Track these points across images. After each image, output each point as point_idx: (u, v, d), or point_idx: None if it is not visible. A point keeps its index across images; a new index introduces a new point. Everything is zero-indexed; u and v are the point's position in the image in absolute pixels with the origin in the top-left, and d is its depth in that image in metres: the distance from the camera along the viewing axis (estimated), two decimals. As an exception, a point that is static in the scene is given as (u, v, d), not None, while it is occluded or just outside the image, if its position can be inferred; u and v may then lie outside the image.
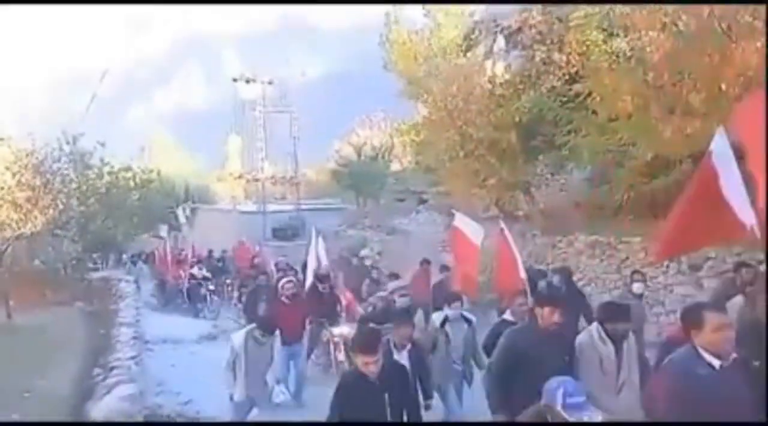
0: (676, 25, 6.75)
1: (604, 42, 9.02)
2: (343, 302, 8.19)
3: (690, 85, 6.50)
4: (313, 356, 7.46)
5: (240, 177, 29.76)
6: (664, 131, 6.72)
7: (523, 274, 5.33)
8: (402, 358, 4.14)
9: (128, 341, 8.84)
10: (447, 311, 5.24)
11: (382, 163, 25.08)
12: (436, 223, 16.55)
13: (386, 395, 3.16)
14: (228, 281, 14.34)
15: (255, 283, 9.34)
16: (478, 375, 5.23)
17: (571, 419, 2.65)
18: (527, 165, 12.08)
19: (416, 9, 13.82)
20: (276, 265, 12.52)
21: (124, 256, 24.16)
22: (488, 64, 12.54)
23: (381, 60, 14.19)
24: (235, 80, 26.86)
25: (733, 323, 2.92)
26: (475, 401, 4.96)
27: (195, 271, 14.07)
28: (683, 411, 2.52)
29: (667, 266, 8.46)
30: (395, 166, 25.68)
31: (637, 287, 6.07)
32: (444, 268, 9.38)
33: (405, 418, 3.32)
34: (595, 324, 3.72)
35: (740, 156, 3.31)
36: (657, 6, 6.79)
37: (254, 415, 5.28)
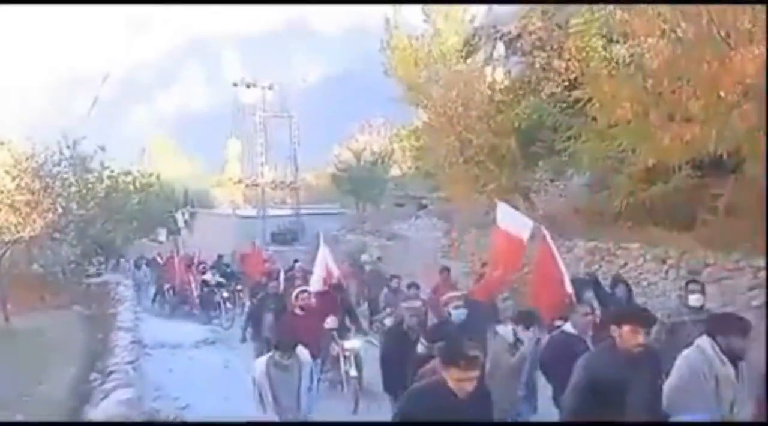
0: (675, 32, 6.77)
1: (604, 48, 9.06)
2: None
3: (689, 91, 6.51)
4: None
5: (239, 181, 29.81)
6: (664, 138, 6.72)
7: (569, 286, 4.88)
8: None
9: (126, 346, 8.82)
10: (524, 334, 4.38)
11: (382, 168, 25.09)
12: (436, 228, 16.55)
13: (470, 418, 2.75)
14: (239, 287, 13.70)
15: (264, 291, 8.85)
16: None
17: None
18: (527, 171, 12.11)
19: (416, 15, 13.89)
20: (289, 271, 11.85)
21: (122, 260, 24.11)
22: (488, 70, 12.59)
23: (381, 65, 14.23)
24: (235, 85, 26.96)
25: None
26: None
27: (208, 276, 13.46)
28: None
29: (666, 272, 8.47)
30: (395, 172, 25.70)
31: (695, 300, 5.21)
32: (444, 269, 9.35)
33: None
34: (705, 339, 3.23)
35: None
36: (656, 13, 6.82)
37: None
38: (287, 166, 30.06)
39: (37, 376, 8.06)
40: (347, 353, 6.81)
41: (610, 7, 8.30)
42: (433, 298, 7.56)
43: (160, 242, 28.99)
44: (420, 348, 4.42)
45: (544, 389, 4.54)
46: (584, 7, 9.26)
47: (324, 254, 8.32)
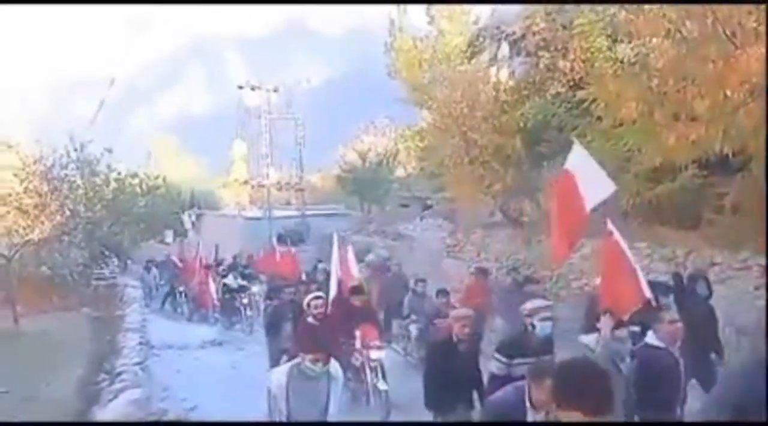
0: (680, 31, 6.76)
1: (609, 48, 9.04)
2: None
3: (695, 91, 6.50)
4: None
5: (245, 183, 29.89)
6: (669, 137, 6.72)
7: (645, 287, 4.15)
8: None
9: (134, 347, 8.90)
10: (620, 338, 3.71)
11: (387, 169, 25.10)
12: (441, 228, 16.54)
13: None
14: (255, 290, 12.82)
15: (280, 296, 8.30)
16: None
17: None
18: (532, 171, 12.09)
19: (420, 16, 13.92)
20: (310, 273, 11.32)
21: (129, 262, 24.20)
22: (492, 70, 12.60)
23: (385, 67, 14.27)
24: (240, 87, 27.05)
25: None
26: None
27: (229, 280, 12.61)
28: None
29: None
30: (400, 172, 25.71)
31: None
32: (480, 271, 8.99)
33: None
34: None
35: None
36: (661, 12, 6.81)
37: None
38: (292, 168, 30.14)
39: (46, 377, 8.12)
40: (373, 364, 6.20)
41: (615, 7, 8.31)
42: (468, 301, 7.11)
43: (167, 244, 29.14)
44: (495, 367, 3.93)
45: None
46: (588, 7, 9.26)
47: (340, 255, 7.59)
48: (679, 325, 3.72)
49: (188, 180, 35.16)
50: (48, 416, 6.56)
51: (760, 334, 4.48)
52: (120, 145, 19.37)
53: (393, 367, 6.72)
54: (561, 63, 10.89)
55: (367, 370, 6.18)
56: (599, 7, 9.01)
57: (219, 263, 15.23)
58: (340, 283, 7.01)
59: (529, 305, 4.28)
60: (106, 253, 19.11)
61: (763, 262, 7.00)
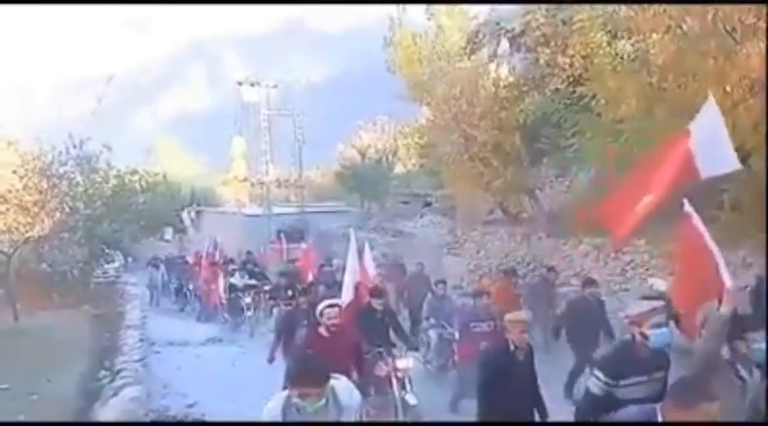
0: (681, 27, 6.76)
1: (608, 44, 9.03)
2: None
3: (694, 87, 6.50)
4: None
5: (245, 180, 29.88)
6: (669, 133, 6.71)
7: (727, 276, 3.52)
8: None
9: (134, 344, 8.91)
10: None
11: (386, 165, 25.10)
12: (441, 225, 16.56)
13: None
14: (257, 286, 12.07)
15: (294, 302, 7.45)
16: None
17: None
18: (531, 167, 12.09)
19: (420, 12, 13.88)
20: (324, 266, 10.76)
21: (129, 259, 24.22)
22: (492, 66, 12.58)
23: (385, 63, 14.24)
24: (239, 84, 27.00)
25: None
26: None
27: (236, 279, 11.98)
28: None
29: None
30: (399, 169, 25.71)
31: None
32: (509, 272, 8.51)
33: None
34: None
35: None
36: (661, 8, 6.80)
37: None
38: (292, 165, 30.13)
39: (46, 375, 8.13)
40: (400, 374, 5.64)
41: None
42: (498, 303, 6.51)
43: (167, 241, 29.16)
44: (594, 386, 3.25)
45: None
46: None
47: (355, 254, 6.79)
48: None
49: (188, 177, 35.12)
50: (49, 413, 6.56)
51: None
52: (120, 143, 19.32)
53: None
54: (561, 59, 10.87)
55: (394, 382, 5.56)
56: (599, 4, 8.99)
57: (227, 261, 14.64)
58: (357, 286, 6.40)
59: (634, 310, 3.39)
60: (110, 250, 19.10)
61: (763, 259, 7.01)
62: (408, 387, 5.65)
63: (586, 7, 9.26)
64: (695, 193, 8.58)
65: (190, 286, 15.29)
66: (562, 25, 10.85)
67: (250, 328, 11.19)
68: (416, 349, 6.43)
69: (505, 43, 12.81)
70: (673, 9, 6.68)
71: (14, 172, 13.55)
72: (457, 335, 6.62)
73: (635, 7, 7.36)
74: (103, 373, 7.89)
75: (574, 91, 9.49)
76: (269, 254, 15.54)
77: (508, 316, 4.05)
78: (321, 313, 4.79)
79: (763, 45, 5.72)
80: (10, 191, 13.29)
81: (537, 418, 4.03)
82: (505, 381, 3.84)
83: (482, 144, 11.69)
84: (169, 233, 29.64)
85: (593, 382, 3.32)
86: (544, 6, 11.50)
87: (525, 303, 7.59)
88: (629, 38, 8.62)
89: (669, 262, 8.51)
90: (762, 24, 5.88)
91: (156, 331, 11.23)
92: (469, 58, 12.84)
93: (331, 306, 4.84)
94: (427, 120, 13.79)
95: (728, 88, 6.29)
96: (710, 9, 6.24)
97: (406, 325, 7.97)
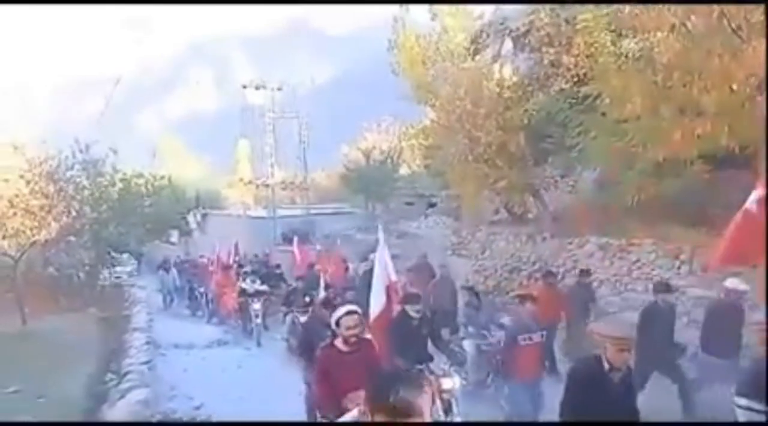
0: (685, 25, 6.72)
1: (613, 43, 9.00)
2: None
3: (700, 85, 6.46)
4: None
5: (250, 182, 29.98)
6: (674, 132, 6.68)
7: None
8: None
9: (141, 346, 8.94)
10: None
11: (391, 167, 25.09)
12: (446, 226, 16.53)
13: None
14: (267, 292, 11.59)
15: (310, 310, 7.04)
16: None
17: None
18: (536, 167, 12.05)
19: (424, 13, 13.88)
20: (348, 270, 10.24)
21: (133, 262, 24.29)
22: (496, 67, 12.55)
23: (389, 64, 14.24)
24: (244, 87, 27.12)
25: None
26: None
27: (246, 284, 11.50)
28: None
29: (679, 268, 8.40)
30: (404, 170, 25.71)
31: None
32: (549, 274, 7.92)
33: None
34: None
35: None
36: (666, 6, 6.77)
37: None
38: (297, 167, 30.19)
39: (54, 377, 8.17)
40: (446, 396, 4.92)
41: (619, 2, 8.25)
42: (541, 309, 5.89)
43: (173, 244, 29.26)
44: (742, 415, 2.88)
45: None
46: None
47: (387, 256, 6.06)
48: None
49: (193, 180, 35.27)
50: (57, 415, 6.60)
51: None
52: (125, 146, 19.44)
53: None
54: (565, 59, 10.84)
55: (438, 405, 4.82)
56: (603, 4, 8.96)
57: (242, 265, 14.18)
58: (388, 291, 5.69)
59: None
60: (123, 254, 19.16)
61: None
62: (455, 410, 4.93)
63: (591, 6, 9.23)
64: (701, 192, 8.53)
65: (202, 290, 15.08)
66: (566, 24, 10.81)
67: (257, 337, 10.74)
68: (461, 365, 5.69)
69: (509, 43, 12.78)
70: (678, 7, 6.64)
71: (21, 176, 13.65)
72: (500, 346, 5.92)
73: (640, 5, 7.33)
74: (109, 375, 7.92)
75: (578, 91, 9.45)
76: (285, 257, 14.85)
77: (602, 330, 3.35)
78: (338, 323, 3.98)
79: (769, 42, 5.68)
80: (17, 195, 13.39)
81: None
82: (595, 409, 3.19)
83: (487, 144, 11.66)
84: (174, 236, 29.75)
85: (740, 412, 2.90)
86: (548, 6, 11.47)
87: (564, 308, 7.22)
88: (634, 37, 8.58)
89: (675, 261, 8.48)
90: (768, 21, 5.84)
91: (163, 333, 11.27)
92: (473, 59, 12.83)
93: (349, 313, 3.99)
94: (431, 121, 13.78)
95: (734, 87, 6.25)
96: (715, 7, 6.20)
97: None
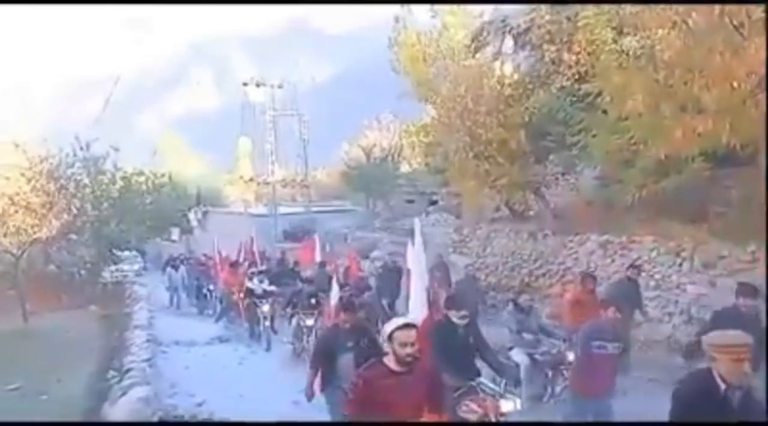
0: (687, 22, 6.70)
1: (614, 41, 8.97)
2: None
3: (701, 83, 6.44)
4: None
5: (251, 180, 30.01)
6: (675, 130, 6.66)
7: None
8: None
9: (142, 344, 8.96)
10: None
11: (392, 164, 25.11)
12: (447, 224, 16.53)
13: None
14: (276, 292, 10.80)
15: (317, 311, 6.31)
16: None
17: None
18: (537, 165, 12.04)
19: (424, 11, 13.85)
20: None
21: (140, 261, 24.32)
22: (497, 64, 12.52)
23: (389, 62, 14.23)
24: (245, 84, 27.14)
25: None
26: None
27: (254, 284, 10.68)
28: None
29: (680, 265, 8.40)
30: (405, 168, 25.71)
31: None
32: (587, 276, 6.97)
33: None
34: None
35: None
36: (667, 4, 6.75)
37: None
38: (297, 164, 30.23)
39: (55, 375, 8.21)
40: (503, 419, 4.29)
41: None
42: (575, 313, 5.43)
43: (174, 241, 29.31)
44: None
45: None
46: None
47: (423, 255, 5.41)
48: None
49: (194, 177, 35.31)
50: (59, 413, 6.63)
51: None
52: (126, 144, 19.47)
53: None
54: (566, 56, 10.82)
55: None
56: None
57: (252, 263, 13.51)
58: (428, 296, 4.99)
59: None
60: (130, 251, 19.16)
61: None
62: None
63: (591, 4, 9.21)
64: (702, 190, 8.54)
65: (210, 287, 14.71)
66: (567, 22, 10.79)
67: (266, 342, 10.01)
68: (517, 381, 4.96)
69: (510, 41, 12.76)
70: (679, 4, 6.63)
71: (22, 174, 13.69)
72: (570, 357, 5.30)
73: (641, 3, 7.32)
74: (111, 372, 7.95)
75: (579, 88, 9.43)
76: (299, 255, 13.71)
77: (713, 339, 2.73)
78: (391, 338, 3.22)
79: (771, 40, 5.66)
80: (18, 193, 13.44)
81: None
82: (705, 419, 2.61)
83: (488, 142, 11.64)
84: (175, 234, 29.79)
85: None
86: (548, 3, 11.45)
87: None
88: (635, 34, 8.55)
89: (676, 259, 8.48)
90: (770, 19, 5.83)
91: (164, 330, 11.29)
92: (474, 56, 12.80)
93: (406, 327, 3.23)
94: (432, 118, 13.76)
95: (735, 84, 6.24)
96: (716, 5, 6.19)
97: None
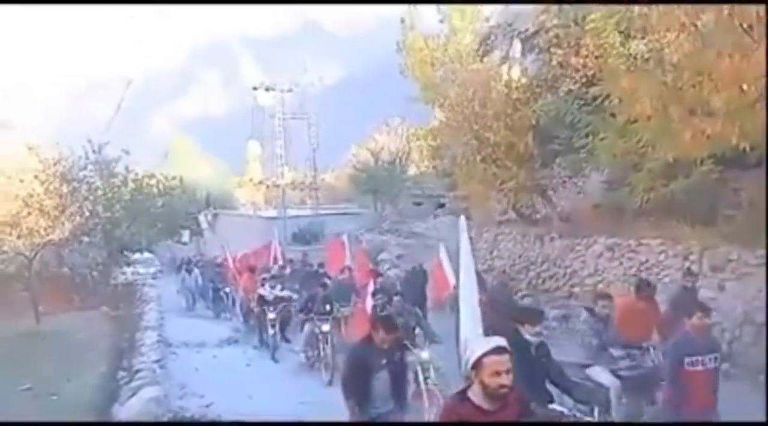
0: (695, 25, 6.68)
1: (622, 44, 8.96)
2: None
3: (710, 85, 6.42)
4: None
5: (260, 183, 30.23)
6: (684, 133, 6.63)
7: None
8: None
9: (152, 345, 9.05)
10: None
11: (400, 167, 25.17)
12: (455, 226, 16.57)
13: None
14: (287, 298, 10.25)
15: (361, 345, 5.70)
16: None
17: None
18: (544, 168, 12.04)
19: (432, 15, 13.91)
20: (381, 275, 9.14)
21: (157, 263, 24.44)
22: (505, 68, 12.54)
23: (397, 66, 14.29)
24: (255, 88, 27.36)
25: None
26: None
27: (265, 290, 10.15)
28: None
29: (689, 269, 8.35)
30: (412, 171, 25.76)
31: None
32: (644, 283, 6.15)
33: None
34: None
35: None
36: (675, 6, 6.74)
37: None
38: (306, 167, 30.37)
39: (67, 375, 8.30)
40: None
41: (628, 2, 8.21)
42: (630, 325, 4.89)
43: (184, 243, 29.51)
44: None
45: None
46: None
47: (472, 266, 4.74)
48: None
49: (204, 180, 35.58)
50: (69, 413, 6.71)
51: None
52: (137, 147, 19.67)
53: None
54: (574, 60, 10.81)
55: None
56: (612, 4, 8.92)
57: (267, 269, 12.65)
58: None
59: None
60: (147, 254, 19.22)
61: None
62: None
63: (600, 6, 9.20)
64: (710, 193, 8.49)
65: (227, 290, 14.55)
66: (575, 25, 10.79)
67: (271, 350, 9.59)
68: (606, 405, 4.40)
69: (517, 45, 12.77)
70: (688, 6, 6.61)
71: (36, 177, 13.87)
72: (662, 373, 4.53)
73: (649, 5, 7.30)
74: (121, 373, 8.04)
75: (587, 92, 9.42)
76: (328, 257, 12.83)
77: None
78: (477, 366, 2.48)
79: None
80: (31, 195, 13.61)
81: None
82: None
83: (495, 145, 11.66)
84: (186, 236, 30.00)
85: None
86: (556, 6, 11.45)
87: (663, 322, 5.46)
88: (643, 38, 8.54)
89: (684, 262, 8.43)
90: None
91: (173, 332, 11.39)
92: (481, 60, 12.83)
93: (499, 350, 2.49)
94: (440, 122, 13.78)
95: (745, 87, 6.21)
96: (725, 6, 6.17)
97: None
